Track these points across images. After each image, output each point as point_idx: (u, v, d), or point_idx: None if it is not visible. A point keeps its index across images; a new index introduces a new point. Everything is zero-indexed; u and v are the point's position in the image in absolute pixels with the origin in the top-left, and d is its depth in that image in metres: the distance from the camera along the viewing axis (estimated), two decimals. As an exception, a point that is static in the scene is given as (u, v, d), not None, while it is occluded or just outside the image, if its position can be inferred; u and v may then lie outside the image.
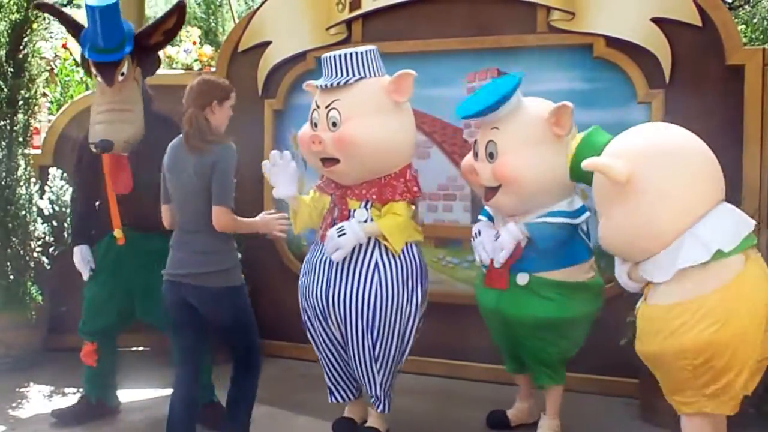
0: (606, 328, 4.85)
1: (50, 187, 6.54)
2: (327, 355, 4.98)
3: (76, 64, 9.03)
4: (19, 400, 5.67)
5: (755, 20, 10.38)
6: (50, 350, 6.54)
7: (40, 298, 6.30)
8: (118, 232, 5.09)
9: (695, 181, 3.71)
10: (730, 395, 3.69)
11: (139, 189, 5.01)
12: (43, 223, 6.43)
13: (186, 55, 7.17)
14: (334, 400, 5.07)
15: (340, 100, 4.66)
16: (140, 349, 6.79)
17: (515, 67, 5.76)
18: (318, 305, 4.79)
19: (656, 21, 5.41)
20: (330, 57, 4.73)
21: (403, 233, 4.73)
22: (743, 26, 10.08)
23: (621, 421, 5.23)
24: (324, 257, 4.78)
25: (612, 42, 5.54)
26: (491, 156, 4.54)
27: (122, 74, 5.02)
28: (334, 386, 5.06)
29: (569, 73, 5.70)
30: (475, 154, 4.68)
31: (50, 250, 6.44)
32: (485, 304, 4.79)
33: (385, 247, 4.70)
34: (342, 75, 4.68)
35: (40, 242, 6.38)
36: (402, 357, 4.87)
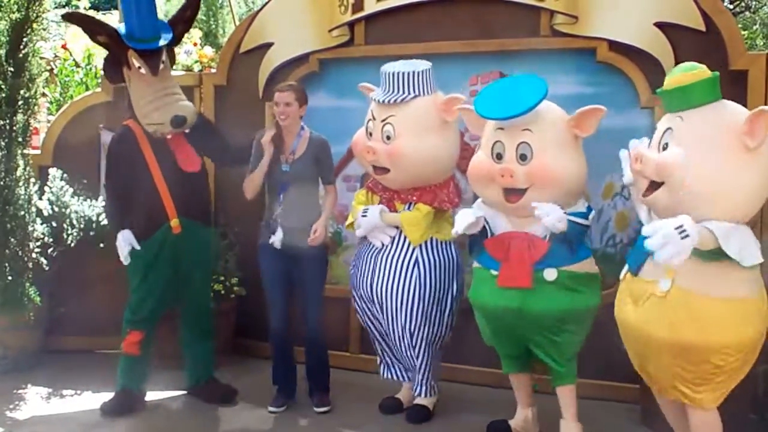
0: (607, 333, 4.81)
1: (50, 188, 6.51)
2: (377, 337, 5.48)
3: (76, 65, 9.02)
4: (17, 402, 5.65)
5: (756, 26, 10.39)
6: (48, 352, 6.53)
7: (38, 299, 6.29)
8: (174, 222, 5.36)
9: None
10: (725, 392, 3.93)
11: (190, 177, 5.40)
12: (42, 224, 6.40)
13: (187, 56, 7.17)
14: (387, 376, 5.57)
15: (396, 116, 5.09)
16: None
17: (518, 70, 5.77)
18: (365, 293, 5.31)
19: (659, 25, 5.41)
20: (391, 73, 5.12)
21: (420, 228, 5.16)
22: (744, 31, 10.08)
23: (622, 426, 5.23)
24: (372, 251, 5.29)
25: (615, 46, 5.55)
26: (523, 158, 4.53)
27: (162, 62, 5.34)
28: (388, 364, 5.55)
29: (572, 77, 5.71)
30: (497, 156, 4.62)
31: (49, 251, 6.41)
32: (501, 303, 4.64)
33: (425, 245, 5.19)
34: (400, 92, 5.09)
35: (39, 243, 6.35)
36: (439, 345, 5.34)
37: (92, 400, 5.66)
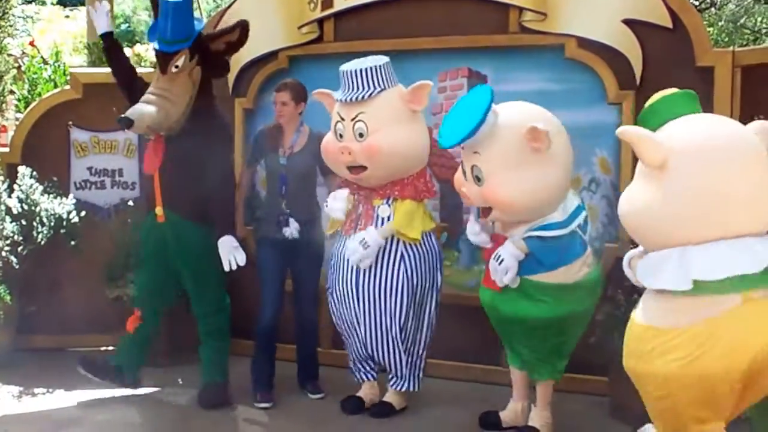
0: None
1: (19, 186, 6.44)
2: (351, 338, 5.39)
3: (44, 62, 8.97)
4: (-12, 401, 5.62)
5: (721, 23, 10.50)
6: (19, 350, 6.48)
7: (8, 297, 6.23)
8: (159, 210, 5.43)
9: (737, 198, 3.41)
10: None
11: (177, 176, 5.35)
12: (11, 222, 6.33)
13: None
14: (355, 378, 5.50)
15: (365, 112, 5.04)
16: (111, 348, 6.69)
17: (487, 66, 5.87)
18: (348, 293, 5.22)
19: (627, 22, 5.47)
20: (350, 71, 5.07)
21: (415, 224, 5.15)
22: (710, 28, 10.19)
23: (592, 419, 5.27)
24: None
25: (583, 43, 5.59)
26: (478, 179, 4.58)
27: (176, 66, 5.32)
28: (356, 367, 5.48)
29: (541, 73, 5.75)
30: (464, 173, 4.71)
31: (19, 249, 6.33)
32: (483, 300, 4.90)
33: (410, 241, 5.14)
34: (364, 88, 5.04)
35: (8, 242, 6.29)
36: (426, 338, 5.33)
37: (65, 398, 5.64)
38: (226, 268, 5.25)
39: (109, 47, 5.69)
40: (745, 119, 5.04)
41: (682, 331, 3.42)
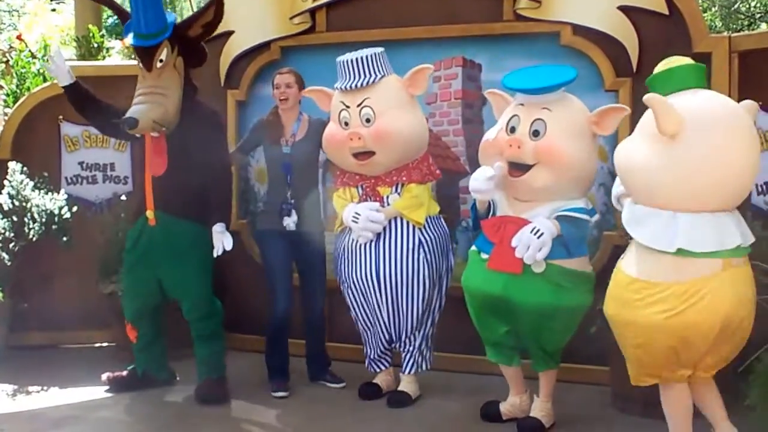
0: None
1: (9, 182, 6.38)
2: (370, 330, 5.43)
3: (32, 56, 8.87)
4: (-18, 400, 5.57)
5: (714, 8, 10.48)
6: (11, 348, 6.43)
7: (0, 294, 6.18)
8: (150, 214, 5.34)
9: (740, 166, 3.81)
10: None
11: (175, 173, 5.27)
12: (2, 219, 6.28)
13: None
14: (372, 370, 5.54)
15: (371, 97, 5.10)
16: (105, 345, 6.70)
17: (482, 55, 5.85)
18: (365, 284, 5.23)
19: (623, 9, 5.44)
20: (351, 59, 5.12)
21: (421, 207, 5.19)
22: (704, 14, 10.18)
23: (593, 408, 5.24)
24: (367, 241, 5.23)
25: (579, 30, 5.56)
26: (536, 134, 4.51)
27: (161, 61, 5.24)
28: (375, 359, 5.51)
29: (536, 61, 5.57)
30: (510, 129, 4.60)
31: (10, 246, 6.28)
32: (486, 289, 4.68)
33: (423, 226, 5.19)
34: (367, 75, 5.11)
35: (0, 238, 6.25)
36: (436, 318, 5.41)
37: (60, 396, 5.59)
38: (216, 253, 5.25)
39: (76, 99, 5.59)
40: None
41: (668, 287, 3.84)
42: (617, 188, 4.33)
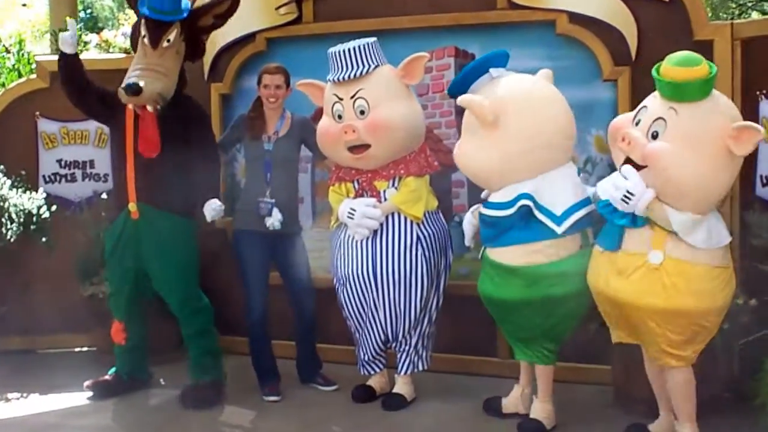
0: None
1: (-14, 180, 6.21)
2: (364, 330, 5.29)
3: (6, 50, 8.71)
4: (-40, 406, 5.42)
5: (705, -2, 10.42)
6: (-11, 353, 6.28)
7: (-23, 299, 6.02)
8: (132, 206, 5.25)
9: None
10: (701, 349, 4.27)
11: (159, 162, 5.19)
12: (-21, 219, 6.10)
13: (125, 39, 6.89)
14: (365, 373, 5.42)
15: (364, 89, 5.00)
16: (85, 349, 6.56)
17: (475, 45, 5.76)
18: (361, 281, 5.12)
19: (620, -5, 5.33)
20: (343, 50, 5.01)
21: (419, 202, 5.10)
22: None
23: (595, 408, 5.17)
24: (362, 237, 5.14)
25: (575, 18, 5.46)
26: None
27: (168, 41, 5.19)
28: (369, 361, 5.37)
29: (531, 50, 5.58)
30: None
31: (-12, 247, 6.11)
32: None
33: (421, 222, 5.10)
34: (360, 65, 5.00)
35: (-24, 239, 6.07)
36: (435, 316, 5.30)
37: (40, 403, 5.46)
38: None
39: (72, 70, 5.34)
40: (746, 93, 4.99)
41: (723, 269, 4.18)
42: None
